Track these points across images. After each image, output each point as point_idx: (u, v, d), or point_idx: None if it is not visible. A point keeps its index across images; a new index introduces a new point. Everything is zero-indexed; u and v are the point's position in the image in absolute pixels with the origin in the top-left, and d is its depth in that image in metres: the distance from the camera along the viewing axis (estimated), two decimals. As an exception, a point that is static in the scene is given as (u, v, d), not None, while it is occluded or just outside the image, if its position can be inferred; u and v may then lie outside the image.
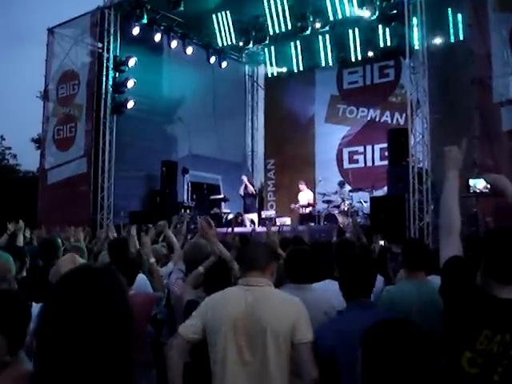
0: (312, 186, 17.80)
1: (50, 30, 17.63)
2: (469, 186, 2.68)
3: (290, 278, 4.02)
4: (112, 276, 1.82)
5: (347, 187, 16.09)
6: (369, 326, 3.05)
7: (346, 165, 18.61)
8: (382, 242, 8.02)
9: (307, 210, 16.65)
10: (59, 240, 5.79)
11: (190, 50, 18.21)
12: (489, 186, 2.99)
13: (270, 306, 3.17)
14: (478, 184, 2.59)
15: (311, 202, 16.93)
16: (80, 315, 1.66)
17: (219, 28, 17.87)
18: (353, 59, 18.23)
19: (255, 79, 22.17)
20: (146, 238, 5.65)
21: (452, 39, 15.57)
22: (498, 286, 2.49)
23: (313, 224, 15.07)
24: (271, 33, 17.38)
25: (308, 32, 16.90)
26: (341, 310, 3.71)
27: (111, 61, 16.14)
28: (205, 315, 3.22)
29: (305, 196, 17.03)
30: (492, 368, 2.40)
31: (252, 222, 16.85)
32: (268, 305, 3.17)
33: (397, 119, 17.65)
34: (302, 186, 17.16)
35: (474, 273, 2.75)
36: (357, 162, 18.57)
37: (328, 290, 4.09)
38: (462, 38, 15.08)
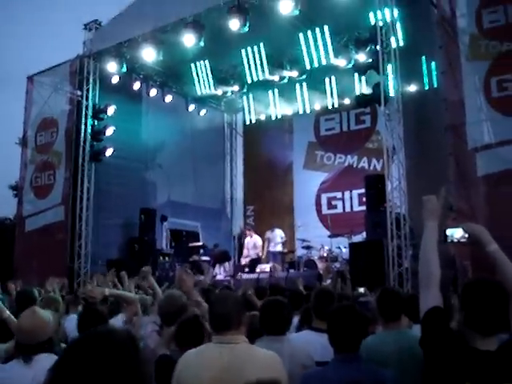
0: (291, 232, 17.81)
1: (30, 78, 17.73)
2: (446, 236, 2.71)
3: (265, 329, 3.96)
4: (131, 342, 1.74)
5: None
6: (350, 380, 3.05)
7: (325, 210, 18.66)
8: (362, 289, 8.02)
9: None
10: (36, 291, 5.71)
11: (168, 98, 18.37)
12: (466, 236, 3.01)
13: (251, 364, 3.08)
14: (456, 233, 2.62)
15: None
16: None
17: (198, 77, 18.05)
18: (330, 106, 18.49)
19: (234, 126, 22.35)
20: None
21: (426, 87, 15.89)
22: (479, 338, 2.49)
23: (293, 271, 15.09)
24: (249, 81, 17.65)
25: (285, 80, 17.23)
26: (320, 361, 3.68)
27: (90, 109, 16.21)
28: (177, 379, 3.14)
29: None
30: None
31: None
32: (249, 363, 3.08)
33: (374, 165, 17.84)
34: (250, 232, 17.53)
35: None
36: (335, 207, 18.65)
37: (306, 342, 4.04)
38: (435, 85, 15.39)
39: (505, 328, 2.57)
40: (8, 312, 4.46)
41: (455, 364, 2.47)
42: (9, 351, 4.02)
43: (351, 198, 18.28)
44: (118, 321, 5.13)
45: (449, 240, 3.09)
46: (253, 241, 17.10)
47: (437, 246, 2.90)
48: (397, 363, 3.79)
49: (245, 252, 17.29)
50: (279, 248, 16.88)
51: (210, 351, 3.19)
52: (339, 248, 15.37)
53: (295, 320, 4.65)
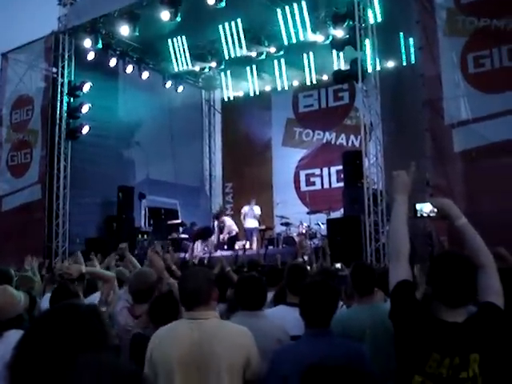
0: (270, 209, 17.85)
1: (4, 55, 17.43)
2: (416, 210, 2.74)
3: (241, 305, 3.97)
4: (95, 316, 1.77)
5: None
6: (321, 353, 3.07)
7: (304, 187, 18.73)
8: (338, 265, 8.07)
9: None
10: (12, 271, 5.67)
11: (145, 75, 18.17)
12: (435, 210, 3.03)
13: (221, 339, 3.09)
14: (425, 208, 2.64)
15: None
16: (58, 352, 1.62)
17: (175, 53, 17.87)
18: (308, 83, 18.44)
19: (212, 103, 22.25)
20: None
21: (404, 63, 15.91)
22: (446, 310, 2.52)
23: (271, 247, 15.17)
24: (227, 57, 17.49)
25: (263, 56, 17.12)
26: (295, 335, 3.70)
27: (66, 86, 16.00)
28: (150, 357, 3.14)
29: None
30: None
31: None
32: (218, 338, 3.09)
33: (352, 141, 17.90)
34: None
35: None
36: (314, 184, 18.72)
37: (281, 316, 4.06)
38: (413, 61, 15.41)
39: (471, 300, 2.61)
40: None
41: (422, 335, 2.52)
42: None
43: (329, 174, 18.36)
44: (94, 299, 5.10)
45: (418, 214, 3.11)
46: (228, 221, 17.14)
47: (407, 219, 2.92)
48: (370, 337, 3.83)
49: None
50: (256, 224, 16.98)
51: (180, 327, 3.19)
52: (318, 224, 15.43)
53: (270, 295, 4.65)
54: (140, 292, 4.49)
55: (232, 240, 16.45)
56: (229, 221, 17.00)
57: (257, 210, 17.02)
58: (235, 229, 16.77)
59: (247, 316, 3.84)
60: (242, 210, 17.19)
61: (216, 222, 17.08)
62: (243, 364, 3.06)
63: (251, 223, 16.91)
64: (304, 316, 3.33)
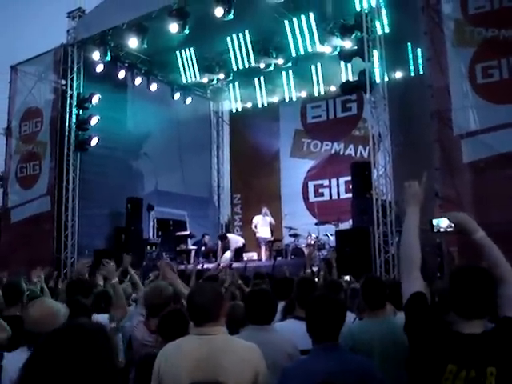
0: (278, 220, 17.81)
1: (13, 67, 17.51)
2: (432, 226, 2.71)
3: (250, 319, 3.95)
4: (103, 338, 1.75)
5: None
6: (336, 368, 3.04)
7: (312, 198, 18.70)
8: (347, 277, 8.03)
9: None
10: (23, 283, 5.64)
11: (154, 87, 18.23)
12: (453, 225, 3.02)
13: (229, 355, 3.07)
14: (442, 223, 2.62)
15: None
16: (64, 377, 1.60)
17: (183, 65, 17.94)
18: (316, 94, 18.46)
19: (220, 115, 22.28)
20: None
21: (412, 73, 15.89)
22: (463, 322, 2.51)
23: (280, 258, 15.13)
24: (235, 69, 17.56)
25: (271, 68, 17.17)
26: (304, 349, 3.67)
27: (74, 98, 16.08)
28: (157, 375, 3.12)
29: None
30: None
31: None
32: (227, 354, 3.06)
33: (360, 152, 17.87)
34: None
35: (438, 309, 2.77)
36: (322, 195, 18.69)
37: (290, 330, 4.04)
38: (421, 72, 15.38)
39: (489, 313, 2.59)
40: None
41: (438, 347, 2.49)
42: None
43: (338, 185, 18.32)
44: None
45: (435, 230, 3.10)
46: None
47: (419, 231, 2.90)
48: (380, 351, 3.81)
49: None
50: (269, 233, 16.80)
51: (188, 343, 3.17)
52: (326, 235, 15.39)
53: (279, 307, 4.63)
54: (155, 306, 4.49)
55: (239, 251, 16.37)
56: (233, 237, 16.92)
57: (269, 218, 16.88)
58: (241, 240, 16.73)
59: (257, 330, 3.83)
60: (254, 220, 16.92)
61: (220, 244, 16.81)
62: (252, 380, 3.04)
63: (265, 232, 16.73)
64: (311, 331, 3.30)
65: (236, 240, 16.64)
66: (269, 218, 16.86)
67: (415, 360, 2.60)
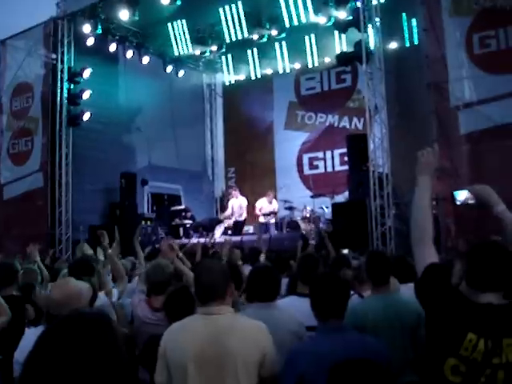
0: (273, 193, 17.74)
1: (2, 42, 17.20)
2: (454, 199, 2.64)
3: (255, 296, 3.91)
4: (106, 326, 1.69)
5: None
6: (339, 350, 3.00)
7: (307, 171, 18.64)
8: (345, 251, 8.00)
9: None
10: (17, 263, 5.63)
11: (146, 60, 17.96)
12: (473, 198, 2.97)
13: (237, 334, 3.01)
14: (460, 195, 2.54)
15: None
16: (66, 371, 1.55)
17: (175, 37, 17.67)
18: (310, 65, 18.28)
19: (213, 87, 22.05)
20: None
21: (407, 44, 15.75)
22: (480, 293, 2.47)
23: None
24: (228, 40, 17.29)
25: (264, 39, 16.92)
26: (310, 325, 3.63)
27: (65, 72, 15.78)
28: (163, 354, 3.07)
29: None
30: (475, 377, 2.38)
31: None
32: (233, 334, 3.01)
33: (355, 124, 17.78)
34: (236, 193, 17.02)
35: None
36: (317, 167, 18.62)
37: (293, 307, 3.99)
38: (416, 42, 15.26)
39: (505, 287, 2.54)
40: None
41: (457, 316, 2.46)
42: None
43: (333, 157, 18.25)
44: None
45: (456, 203, 3.06)
46: (238, 202, 16.65)
47: (430, 201, 2.85)
48: (386, 328, 3.77)
49: (227, 212, 16.90)
50: (272, 220, 16.19)
51: (194, 323, 3.11)
52: (322, 208, 15.37)
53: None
54: (157, 283, 4.45)
55: (239, 225, 16.27)
56: (245, 202, 16.67)
57: (275, 204, 16.45)
58: (245, 213, 16.62)
59: (261, 307, 3.79)
60: (258, 204, 16.43)
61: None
62: (259, 360, 2.99)
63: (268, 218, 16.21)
64: (316, 310, 3.25)
65: (245, 206, 16.51)
66: (274, 205, 16.43)
67: (432, 331, 2.57)
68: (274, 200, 16.53)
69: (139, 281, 5.16)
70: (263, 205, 16.36)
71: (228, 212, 16.77)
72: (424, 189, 2.85)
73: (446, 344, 2.45)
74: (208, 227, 16.50)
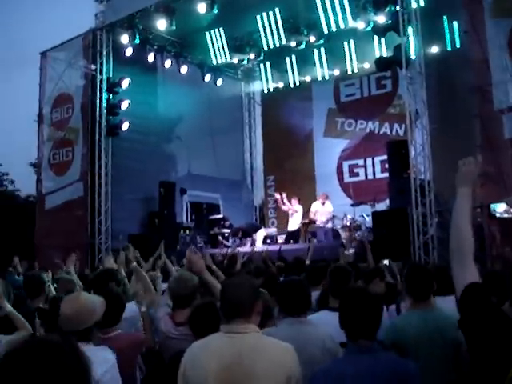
0: (313, 201, 17.49)
1: (43, 54, 17.50)
2: (490, 211, 2.47)
3: (285, 310, 3.73)
4: (68, 355, 1.55)
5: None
6: (366, 372, 2.78)
7: (347, 178, 18.34)
8: (386, 262, 7.73)
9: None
10: (44, 275, 5.57)
11: (184, 69, 18.04)
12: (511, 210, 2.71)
13: (261, 356, 2.80)
14: (499, 208, 2.36)
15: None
16: None
17: (213, 45, 17.66)
18: (349, 71, 18.02)
19: (252, 95, 21.99)
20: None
21: (449, 47, 15.36)
22: None
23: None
24: (265, 48, 17.20)
25: (303, 46, 16.79)
26: (343, 342, 3.42)
27: (104, 82, 15.96)
28: (183, 373, 2.89)
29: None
30: None
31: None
32: (258, 355, 2.80)
33: (396, 130, 17.43)
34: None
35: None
36: (357, 175, 18.31)
37: (325, 322, 3.79)
38: (458, 45, 14.88)
39: None
40: (9, 307, 4.23)
41: (504, 345, 2.18)
42: (11, 344, 3.83)
43: (373, 164, 17.91)
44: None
45: (492, 215, 2.79)
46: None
47: (470, 214, 2.61)
48: (427, 344, 3.53)
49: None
50: (330, 224, 15.53)
51: (216, 342, 2.91)
52: (362, 216, 15.06)
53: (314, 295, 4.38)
54: (181, 297, 4.29)
55: (296, 235, 15.74)
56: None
57: (328, 206, 15.92)
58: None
59: (293, 323, 3.62)
60: (313, 207, 15.95)
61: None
62: (284, 383, 2.78)
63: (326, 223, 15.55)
64: (345, 328, 3.01)
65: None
66: (328, 208, 15.88)
67: (475, 360, 2.30)
68: (327, 202, 16.03)
69: (165, 294, 5.02)
70: (318, 208, 15.91)
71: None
72: (463, 202, 2.61)
73: (491, 377, 2.18)
74: (247, 232, 16.35)
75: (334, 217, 15.50)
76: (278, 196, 16.87)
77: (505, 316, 2.28)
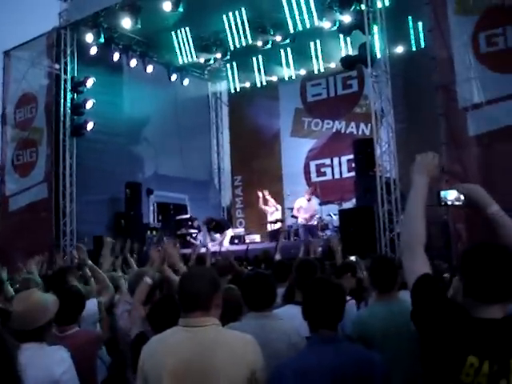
0: (280, 201, 17.51)
1: (6, 53, 17.16)
2: (439, 199, 2.47)
3: (249, 305, 3.66)
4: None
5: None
6: (330, 362, 2.74)
7: (314, 178, 18.39)
8: (353, 258, 7.75)
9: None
10: (2, 274, 5.44)
11: (150, 69, 17.88)
12: (462, 198, 2.66)
13: (221, 349, 2.71)
14: (449, 195, 2.37)
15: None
16: None
17: (179, 45, 17.55)
18: (315, 71, 18.10)
19: (218, 95, 21.94)
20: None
21: (413, 47, 15.55)
22: (482, 306, 2.16)
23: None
24: (232, 48, 17.18)
25: (269, 45, 16.80)
26: (309, 336, 3.39)
27: (69, 82, 15.69)
28: (142, 367, 2.81)
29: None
30: None
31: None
32: (218, 348, 2.71)
33: (362, 130, 17.55)
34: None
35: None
36: (324, 174, 18.38)
37: (290, 316, 3.74)
38: (423, 45, 15.07)
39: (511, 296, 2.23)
40: None
41: (455, 336, 2.14)
42: None
43: (340, 164, 17.99)
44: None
45: (442, 203, 2.73)
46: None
47: (425, 203, 2.55)
48: (394, 336, 3.52)
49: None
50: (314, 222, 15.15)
51: (174, 337, 2.82)
52: (330, 215, 15.12)
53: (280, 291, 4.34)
54: None
55: (277, 231, 15.55)
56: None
57: (314, 203, 15.43)
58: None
59: (257, 317, 3.55)
60: (297, 203, 15.25)
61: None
62: (247, 377, 2.70)
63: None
64: (307, 319, 2.97)
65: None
66: (314, 204, 15.44)
67: (427, 353, 2.24)
68: (313, 198, 15.40)
69: (123, 291, 4.93)
70: (302, 204, 15.12)
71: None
72: (417, 190, 2.55)
73: (444, 370, 2.15)
74: (220, 226, 16.31)
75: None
76: (260, 194, 16.77)
77: (457, 306, 2.24)
